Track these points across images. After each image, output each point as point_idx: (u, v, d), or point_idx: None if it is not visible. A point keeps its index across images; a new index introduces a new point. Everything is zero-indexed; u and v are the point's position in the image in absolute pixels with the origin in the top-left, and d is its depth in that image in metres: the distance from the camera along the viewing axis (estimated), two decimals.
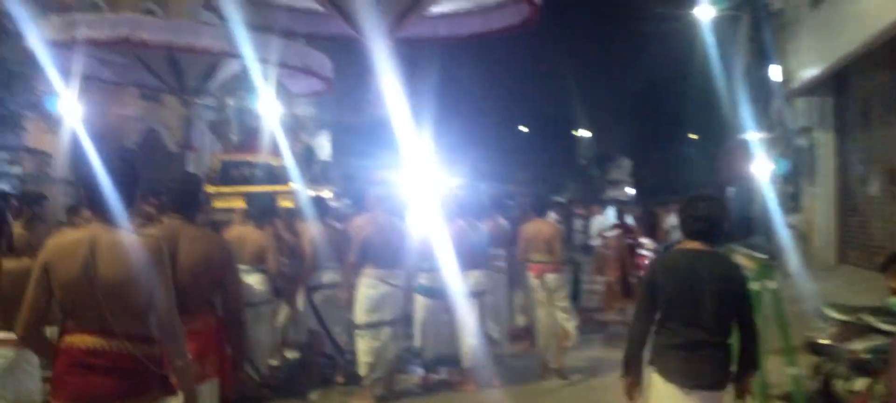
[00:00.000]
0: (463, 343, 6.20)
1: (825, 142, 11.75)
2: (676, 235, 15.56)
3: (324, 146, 21.29)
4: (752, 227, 21.90)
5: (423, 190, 9.65)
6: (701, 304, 3.11)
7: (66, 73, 10.28)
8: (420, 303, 6.35)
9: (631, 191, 48.23)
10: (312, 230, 6.21)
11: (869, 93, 10.60)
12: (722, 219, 3.29)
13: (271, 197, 6.83)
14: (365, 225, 6.07)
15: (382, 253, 5.87)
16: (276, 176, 7.56)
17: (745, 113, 20.53)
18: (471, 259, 6.24)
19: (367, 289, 5.85)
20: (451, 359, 6.36)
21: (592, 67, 38.90)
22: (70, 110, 12.89)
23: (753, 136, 20.78)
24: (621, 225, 10.67)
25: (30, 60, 10.16)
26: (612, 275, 9.47)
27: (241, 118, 8.55)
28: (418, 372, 6.63)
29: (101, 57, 10.65)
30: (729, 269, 3.26)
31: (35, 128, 12.59)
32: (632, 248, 10.64)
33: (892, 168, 9.68)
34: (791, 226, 12.84)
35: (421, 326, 6.38)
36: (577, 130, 47.04)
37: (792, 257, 12.93)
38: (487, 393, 6.28)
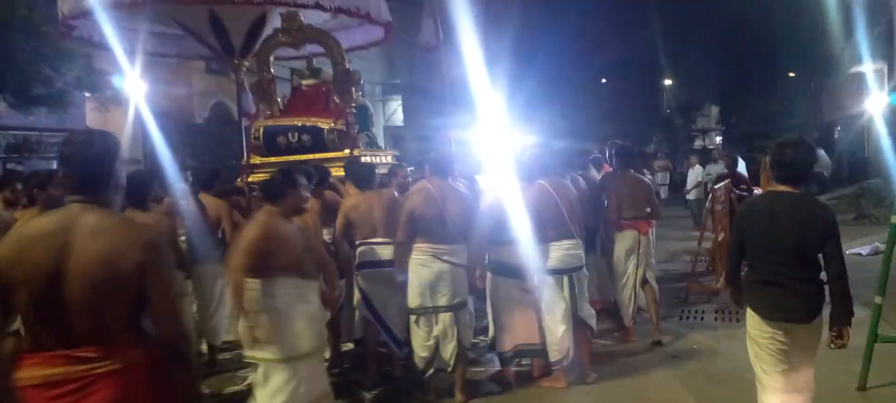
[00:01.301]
0: (549, 332, 4.93)
1: None
2: None
3: (396, 110, 20.27)
4: (864, 170, 19.46)
5: (497, 150, 8.41)
6: (783, 243, 3.25)
7: (126, 50, 9.49)
8: (493, 284, 5.15)
9: (718, 139, 45.44)
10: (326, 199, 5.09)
11: None
12: (809, 163, 3.38)
13: (320, 165, 5.69)
14: (415, 194, 4.87)
15: (436, 224, 4.67)
16: (327, 141, 6.38)
17: (859, 41, 18.10)
18: (559, 226, 4.93)
19: (419, 268, 4.69)
20: (536, 350, 5.10)
21: (676, 9, 36.12)
22: (133, 88, 12.30)
23: (868, 68, 18.32)
24: (731, 174, 9.05)
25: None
26: (721, 233, 7.91)
27: (291, 79, 7.45)
28: (495, 365, 5.41)
29: (155, 31, 9.81)
30: (812, 208, 3.32)
31: (95, 107, 12.02)
32: (742, 201, 9.04)
33: None
34: None
35: (494, 312, 5.16)
36: (660, 79, 44.34)
37: None
38: (581, 392, 5.01)
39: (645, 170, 8.23)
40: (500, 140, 12.96)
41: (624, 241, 6.04)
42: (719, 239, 7.84)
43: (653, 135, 42.94)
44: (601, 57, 35.45)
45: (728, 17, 34.27)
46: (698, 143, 42.93)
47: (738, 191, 8.90)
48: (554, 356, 4.91)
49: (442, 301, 4.68)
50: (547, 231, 4.89)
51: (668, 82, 45.66)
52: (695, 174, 13.30)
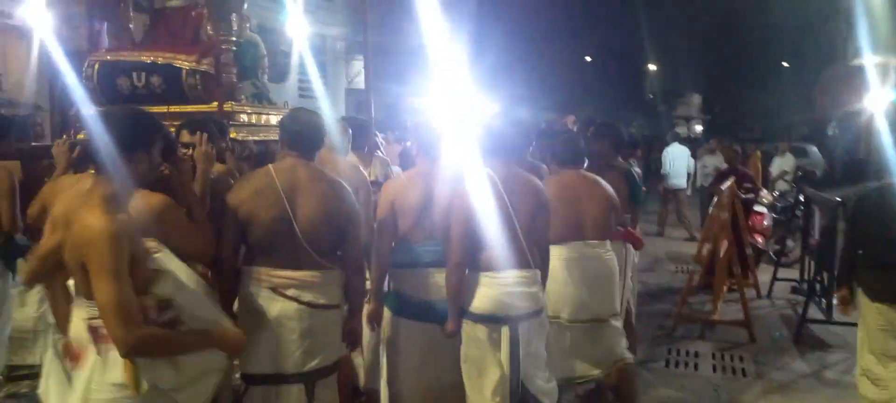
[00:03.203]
0: None
1: None
2: (783, 186, 11.74)
3: (360, 72, 18.09)
4: (861, 171, 17.72)
5: (454, 122, 6.40)
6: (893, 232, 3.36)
7: None
8: (393, 330, 3.22)
9: (699, 127, 43.79)
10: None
11: None
12: None
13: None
14: (243, 185, 2.84)
15: (277, 236, 2.70)
16: (186, 87, 4.31)
17: (861, 32, 16.27)
18: (505, 245, 2.92)
19: (249, 308, 2.72)
20: None
21: None
22: (36, 17, 10.12)
23: (870, 61, 16.49)
24: (734, 170, 7.14)
25: None
26: (724, 244, 5.97)
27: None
28: None
29: None
30: None
31: None
32: (746, 205, 7.14)
33: None
34: None
35: (392, 373, 3.23)
36: (644, 63, 42.46)
37: None
38: None
39: (631, 160, 6.28)
40: (463, 111, 10.91)
41: None
42: (722, 251, 5.91)
43: (635, 119, 41.19)
44: (587, 36, 33.38)
45: (718, 3, 32.39)
46: (681, 130, 41.30)
47: (743, 194, 7.00)
48: None
49: (288, 365, 2.69)
50: (478, 252, 2.93)
51: (652, 67, 43.84)
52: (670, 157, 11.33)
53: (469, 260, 2.94)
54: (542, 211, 3.06)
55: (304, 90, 14.99)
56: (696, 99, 46.42)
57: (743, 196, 6.86)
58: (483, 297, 2.92)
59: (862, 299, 3.44)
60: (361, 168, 3.86)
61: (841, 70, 18.40)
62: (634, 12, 32.77)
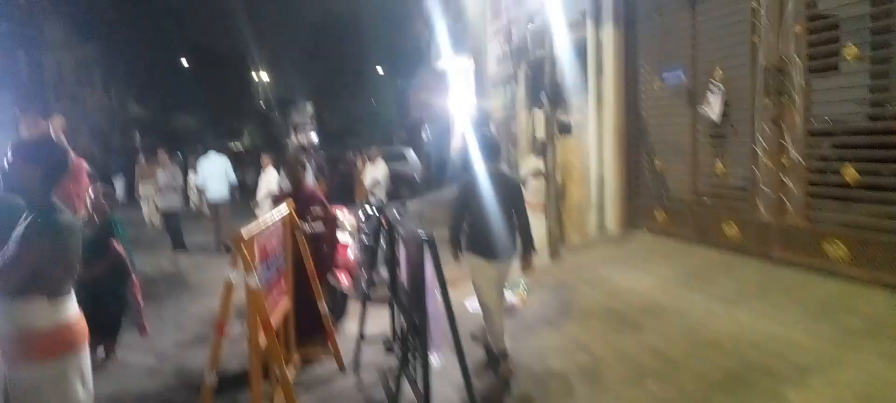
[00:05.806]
0: None
1: (599, 43, 7.02)
2: (380, 192, 10.17)
3: None
4: (449, 171, 17.71)
5: None
6: (497, 204, 4.32)
7: None
8: None
9: (313, 135, 42.95)
10: None
11: None
12: (497, 145, 4.63)
13: None
14: None
15: None
16: None
17: (440, 37, 16.12)
18: None
19: None
20: None
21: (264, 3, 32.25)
22: None
23: (450, 64, 16.43)
24: (296, 193, 4.81)
25: None
26: (260, 332, 3.57)
27: None
28: None
29: None
30: (509, 179, 4.55)
31: None
32: (319, 244, 4.87)
33: (722, 79, 5.23)
34: (537, 175, 8.00)
35: None
36: (254, 71, 39.84)
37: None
38: None
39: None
40: None
41: None
42: (257, 336, 3.49)
43: (246, 127, 38.37)
44: (181, 35, 29.28)
45: (316, 12, 31.51)
46: (295, 139, 39.70)
47: (310, 225, 4.74)
48: None
49: None
50: None
51: (263, 76, 41.55)
52: (268, 180, 9.05)
53: None
54: None
55: None
56: (309, 107, 45.50)
57: (308, 230, 4.61)
58: None
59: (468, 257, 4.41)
60: None
61: (427, 73, 18.31)
62: (234, 19, 30.01)
